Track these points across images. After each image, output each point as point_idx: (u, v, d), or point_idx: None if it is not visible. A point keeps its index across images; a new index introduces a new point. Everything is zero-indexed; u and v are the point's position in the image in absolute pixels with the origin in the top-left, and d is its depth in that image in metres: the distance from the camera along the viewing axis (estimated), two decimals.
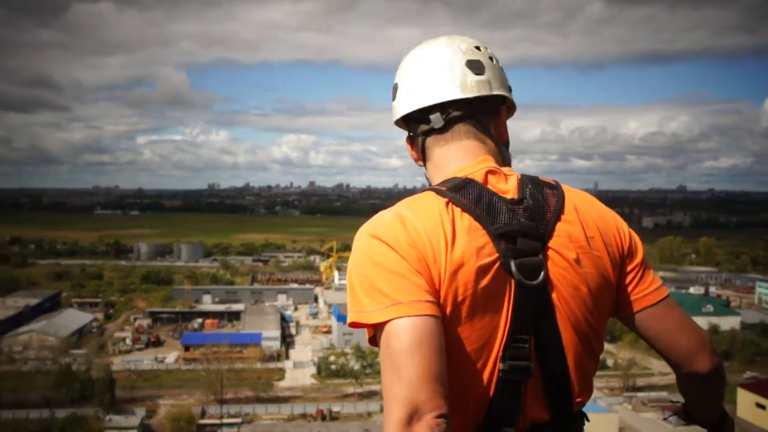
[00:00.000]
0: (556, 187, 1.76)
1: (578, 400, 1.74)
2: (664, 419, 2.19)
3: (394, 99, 1.91)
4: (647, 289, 1.83)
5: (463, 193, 1.65)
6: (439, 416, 1.40)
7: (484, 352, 1.60)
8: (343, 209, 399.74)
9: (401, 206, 1.67)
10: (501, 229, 1.61)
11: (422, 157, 1.90)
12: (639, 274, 1.83)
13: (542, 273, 1.62)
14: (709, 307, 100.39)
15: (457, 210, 1.62)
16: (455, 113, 1.82)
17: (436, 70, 1.83)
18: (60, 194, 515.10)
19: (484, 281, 1.57)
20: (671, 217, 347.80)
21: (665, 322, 1.83)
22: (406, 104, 1.87)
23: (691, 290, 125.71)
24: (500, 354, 1.60)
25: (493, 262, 1.59)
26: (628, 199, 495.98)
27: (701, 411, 2.09)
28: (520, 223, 1.63)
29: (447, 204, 1.63)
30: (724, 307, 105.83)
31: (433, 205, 1.63)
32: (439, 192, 1.66)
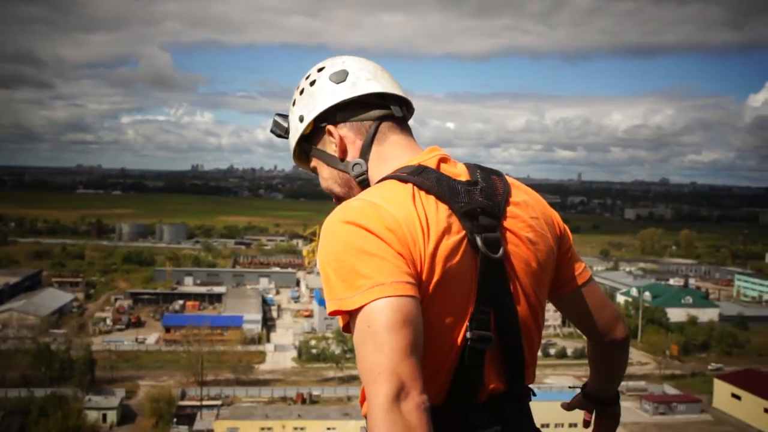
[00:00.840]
0: (501, 174, 1.87)
1: (529, 371, 1.83)
2: (566, 406, 2.39)
3: (339, 82, 1.91)
4: (578, 270, 2.02)
5: (423, 176, 1.71)
6: (422, 392, 1.44)
7: (456, 325, 1.66)
8: (327, 194, 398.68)
9: (367, 194, 1.71)
10: (465, 207, 1.69)
11: (364, 144, 1.90)
12: (572, 258, 2.00)
13: (501, 248, 1.71)
14: (689, 299, 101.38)
15: (422, 193, 1.68)
16: (405, 113, 1.97)
17: (386, 73, 1.98)
18: (42, 172, 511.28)
19: (456, 258, 1.64)
20: (653, 209, 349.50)
21: (592, 299, 2.04)
22: (368, 87, 1.90)
23: (671, 282, 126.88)
24: (468, 324, 1.66)
25: (461, 239, 1.66)
26: (611, 190, 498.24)
27: (604, 385, 2.31)
28: (479, 202, 1.72)
29: (412, 188, 1.68)
30: (703, 299, 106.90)
31: (399, 190, 1.68)
32: (400, 178, 1.72)
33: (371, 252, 1.56)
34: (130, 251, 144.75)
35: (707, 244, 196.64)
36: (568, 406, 2.42)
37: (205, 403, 63.28)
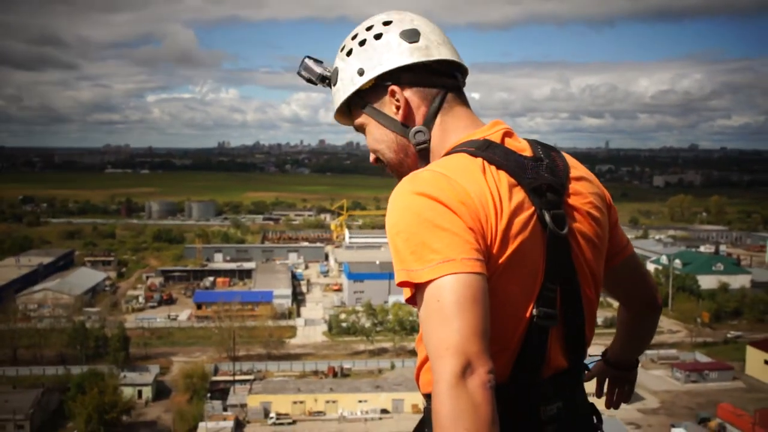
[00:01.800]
0: (558, 151, 1.88)
1: (587, 346, 1.88)
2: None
3: (411, 41, 1.83)
4: (623, 242, 2.10)
5: (490, 151, 1.71)
6: (489, 371, 1.44)
7: (523, 302, 1.67)
8: (353, 168, 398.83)
9: (437, 166, 1.69)
10: (533, 183, 1.69)
11: (430, 112, 1.84)
12: (618, 230, 2.06)
13: (566, 224, 1.73)
14: (720, 266, 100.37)
15: (493, 168, 1.68)
16: (464, 81, 1.94)
17: (449, 40, 1.92)
18: (71, 153, 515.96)
19: (526, 234, 1.65)
20: (682, 175, 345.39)
21: (635, 270, 2.15)
22: (441, 52, 1.84)
23: (702, 249, 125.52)
24: (535, 301, 1.68)
25: (531, 216, 1.67)
26: (639, 157, 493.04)
27: (630, 351, 2.40)
28: (546, 178, 1.73)
29: (483, 163, 1.68)
30: (734, 266, 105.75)
31: (470, 164, 1.67)
32: (470, 152, 1.71)
33: (442, 226, 1.55)
34: (159, 229, 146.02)
35: (738, 210, 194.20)
36: (587, 377, 2.39)
37: (237, 378, 64.00)
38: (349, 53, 1.90)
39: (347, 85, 1.90)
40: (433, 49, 1.83)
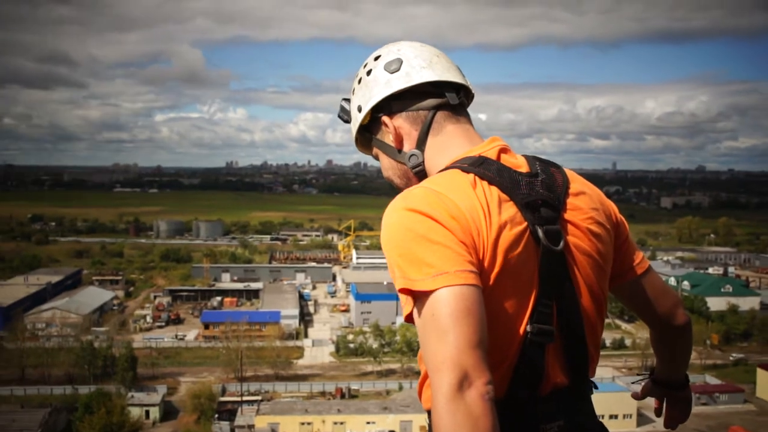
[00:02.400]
0: (558, 166, 1.88)
1: (592, 364, 1.85)
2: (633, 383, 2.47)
3: (393, 72, 1.91)
4: (637, 259, 2.06)
5: (484, 167, 1.73)
6: (487, 382, 1.44)
7: (517, 317, 1.67)
8: (361, 188, 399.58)
9: (429, 183, 1.72)
10: (526, 198, 1.71)
11: (420, 135, 1.90)
12: (630, 247, 2.04)
13: (562, 240, 1.73)
14: (729, 288, 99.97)
15: (485, 183, 1.69)
16: (463, 99, 1.96)
17: (443, 59, 1.97)
18: (80, 172, 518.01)
19: (518, 249, 1.66)
20: (690, 197, 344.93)
21: (651, 287, 2.09)
22: (421, 75, 1.88)
23: (710, 270, 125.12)
24: (529, 317, 1.68)
25: (523, 231, 1.68)
26: (646, 179, 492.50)
27: (671, 370, 2.36)
28: (540, 194, 1.73)
29: (474, 178, 1.70)
30: (743, 288, 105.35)
31: (461, 180, 1.69)
32: (462, 168, 1.73)
33: (434, 240, 1.57)
34: (167, 248, 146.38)
35: (746, 232, 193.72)
36: (640, 395, 2.47)
37: (245, 398, 63.91)
38: (353, 92, 2.02)
39: (354, 122, 2.04)
40: (414, 74, 1.88)
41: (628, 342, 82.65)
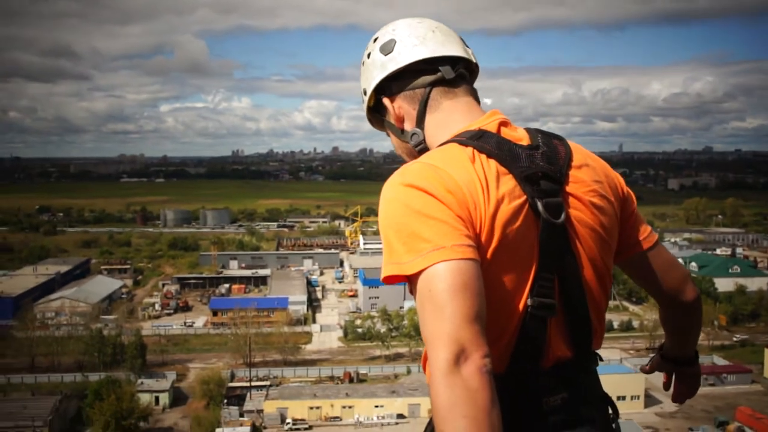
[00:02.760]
0: (562, 139, 1.85)
1: (596, 337, 1.83)
2: (643, 370, 2.47)
3: (387, 53, 1.92)
4: (644, 233, 2.02)
5: (483, 140, 1.71)
6: (484, 356, 1.42)
7: (517, 289, 1.65)
8: (367, 174, 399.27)
9: (427, 158, 1.70)
10: (526, 171, 1.68)
11: (418, 113, 1.90)
12: (637, 221, 2.01)
13: (563, 213, 1.70)
14: (736, 268, 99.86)
15: (483, 157, 1.67)
16: (463, 70, 1.93)
17: (439, 32, 1.95)
18: (86, 163, 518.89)
19: (517, 222, 1.63)
20: (697, 178, 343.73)
21: (659, 262, 2.04)
22: (412, 54, 1.88)
23: (718, 251, 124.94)
24: (530, 290, 1.66)
25: (522, 204, 1.65)
26: (653, 160, 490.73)
27: (680, 346, 2.33)
28: (540, 166, 1.71)
29: (473, 152, 1.67)
30: (751, 268, 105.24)
31: (459, 154, 1.67)
32: (460, 142, 1.71)
33: (431, 215, 1.55)
34: (175, 237, 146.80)
35: (754, 212, 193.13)
36: (648, 369, 2.47)
37: (254, 384, 64.21)
38: (360, 76, 2.04)
39: (364, 104, 2.06)
40: (405, 53, 1.88)
41: (635, 324, 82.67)
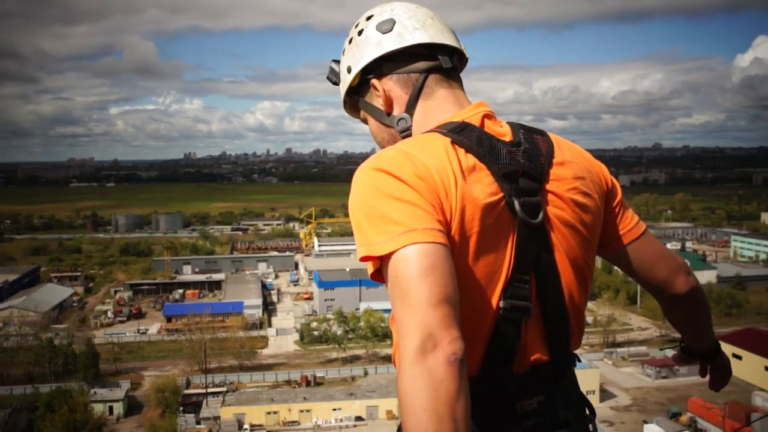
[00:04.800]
0: (544, 134, 1.81)
1: (574, 338, 1.78)
2: (662, 349, 2.44)
3: (385, 32, 1.83)
4: (630, 224, 1.96)
5: (464, 134, 1.66)
6: (454, 341, 1.34)
7: (487, 290, 1.60)
8: (321, 175, 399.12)
9: (403, 145, 1.65)
10: (504, 168, 1.63)
11: (410, 98, 1.82)
12: (622, 211, 1.96)
13: (542, 212, 1.65)
14: (687, 262, 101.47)
15: (461, 150, 1.62)
16: (456, 63, 1.87)
17: (437, 20, 1.88)
18: (34, 168, 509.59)
19: (490, 219, 1.58)
20: (647, 174, 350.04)
21: (647, 253, 1.98)
22: (414, 37, 1.80)
23: (669, 246, 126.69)
24: (502, 292, 1.61)
25: (498, 201, 1.60)
26: (604, 157, 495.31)
27: (693, 340, 2.31)
28: (520, 164, 1.66)
29: (451, 143, 1.62)
30: (700, 262, 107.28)
31: (437, 143, 1.62)
32: (441, 133, 1.66)
33: (403, 198, 1.51)
34: (127, 243, 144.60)
35: (702, 207, 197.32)
36: (675, 362, 2.48)
37: (210, 390, 63.43)
38: (343, 52, 1.94)
39: (343, 83, 1.95)
40: (407, 35, 1.81)
41: (590, 319, 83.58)
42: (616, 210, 1.94)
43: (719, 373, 2.37)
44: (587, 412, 1.88)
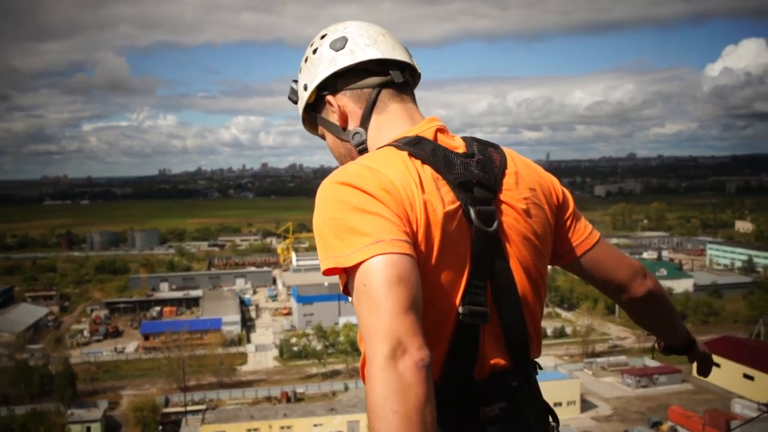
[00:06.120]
0: (497, 147, 1.87)
1: (533, 345, 1.82)
2: (652, 357, 2.55)
3: (338, 50, 1.89)
4: (583, 235, 2.01)
5: (419, 147, 1.71)
6: (421, 348, 1.39)
7: (449, 297, 1.64)
8: (298, 190, 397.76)
9: (364, 160, 1.69)
10: (460, 178, 1.68)
11: (364, 113, 1.88)
12: (574, 222, 2.00)
13: (496, 221, 1.71)
14: (663, 271, 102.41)
15: (418, 162, 1.67)
16: (408, 78, 1.94)
17: (389, 37, 1.94)
18: (6, 186, 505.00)
19: (451, 228, 1.63)
20: (622, 184, 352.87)
21: (603, 260, 2.04)
22: (365, 53, 1.87)
23: (645, 255, 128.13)
24: (461, 299, 1.65)
25: (456, 210, 1.65)
26: (579, 168, 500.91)
27: (667, 338, 2.40)
28: (474, 174, 1.72)
29: (408, 157, 1.67)
30: (677, 271, 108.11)
31: (395, 157, 1.67)
32: (397, 147, 1.71)
33: (369, 210, 1.54)
34: (102, 260, 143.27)
35: (677, 216, 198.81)
36: (657, 351, 2.58)
37: (189, 408, 62.86)
38: (300, 71, 2.00)
39: (300, 101, 2.01)
40: (358, 52, 1.87)
41: (568, 330, 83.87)
42: (569, 222, 1.99)
43: (702, 361, 2.51)
44: (551, 420, 1.90)
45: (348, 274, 1.52)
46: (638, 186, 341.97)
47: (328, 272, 1.55)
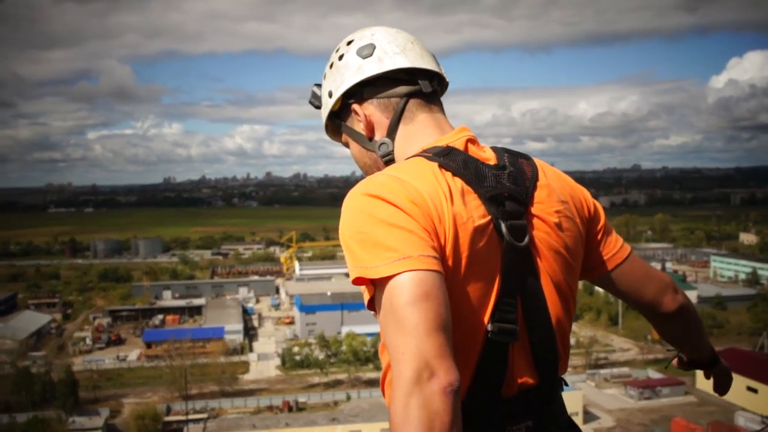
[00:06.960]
0: (528, 158, 1.82)
1: (561, 362, 1.77)
2: (665, 367, 2.48)
3: (365, 57, 1.83)
4: (614, 248, 1.98)
5: (450, 158, 1.66)
6: (449, 371, 1.34)
7: (477, 314, 1.59)
8: (301, 199, 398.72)
9: (392, 170, 1.64)
10: (491, 192, 1.63)
11: (391, 123, 1.83)
12: (606, 236, 1.98)
13: (527, 236, 1.66)
14: None
15: (448, 174, 1.62)
16: (436, 87, 1.88)
17: (417, 45, 1.89)
18: (11, 193, 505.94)
19: (480, 242, 1.58)
20: (627, 195, 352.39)
21: (633, 275, 2.00)
22: (394, 62, 1.81)
23: None
24: (491, 316, 1.60)
25: (486, 224, 1.60)
26: (583, 179, 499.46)
27: (690, 352, 2.32)
28: (506, 187, 1.66)
29: (438, 168, 1.62)
30: (681, 282, 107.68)
31: (425, 168, 1.62)
32: (427, 157, 1.66)
33: (397, 224, 1.49)
34: (106, 268, 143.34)
35: (682, 227, 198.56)
36: (678, 367, 2.47)
37: (191, 417, 62.80)
38: (324, 77, 1.94)
39: (324, 108, 1.95)
40: (387, 60, 1.81)
41: (572, 341, 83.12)
42: (600, 235, 1.95)
43: (722, 377, 2.39)
44: None
45: (375, 287, 1.49)
46: (642, 197, 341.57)
47: (357, 282, 1.51)
